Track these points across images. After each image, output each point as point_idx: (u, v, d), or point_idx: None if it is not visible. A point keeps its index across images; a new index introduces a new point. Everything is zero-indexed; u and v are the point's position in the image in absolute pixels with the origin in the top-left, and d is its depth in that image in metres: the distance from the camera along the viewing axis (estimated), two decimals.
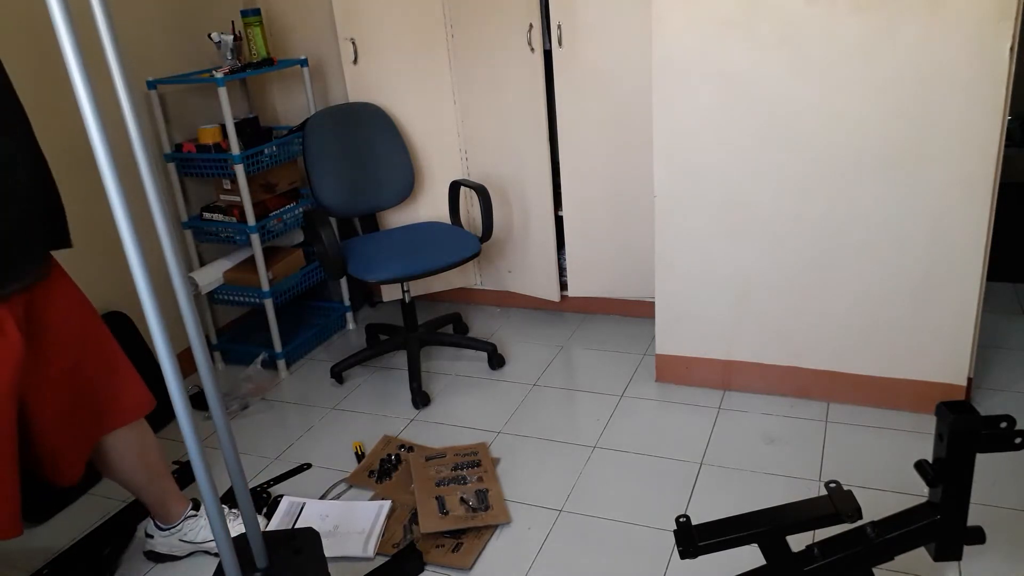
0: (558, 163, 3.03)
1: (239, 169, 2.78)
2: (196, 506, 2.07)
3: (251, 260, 2.95)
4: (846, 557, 1.52)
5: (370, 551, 2.03)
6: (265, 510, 2.23)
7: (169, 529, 2.03)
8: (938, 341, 2.32)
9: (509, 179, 3.15)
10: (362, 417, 2.72)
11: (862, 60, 2.13)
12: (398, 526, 2.12)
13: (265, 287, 2.94)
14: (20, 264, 1.57)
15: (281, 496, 2.29)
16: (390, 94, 3.12)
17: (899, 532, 1.52)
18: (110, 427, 1.84)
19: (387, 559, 2.00)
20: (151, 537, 2.06)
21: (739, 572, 1.56)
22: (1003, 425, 1.45)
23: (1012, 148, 2.79)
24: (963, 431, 1.44)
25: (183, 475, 2.43)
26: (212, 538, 2.01)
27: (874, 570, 1.58)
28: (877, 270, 2.32)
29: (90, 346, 1.77)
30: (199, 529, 2.04)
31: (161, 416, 2.30)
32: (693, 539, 1.50)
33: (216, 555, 2.00)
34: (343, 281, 3.39)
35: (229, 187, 2.89)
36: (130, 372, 1.86)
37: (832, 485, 1.56)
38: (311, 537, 1.43)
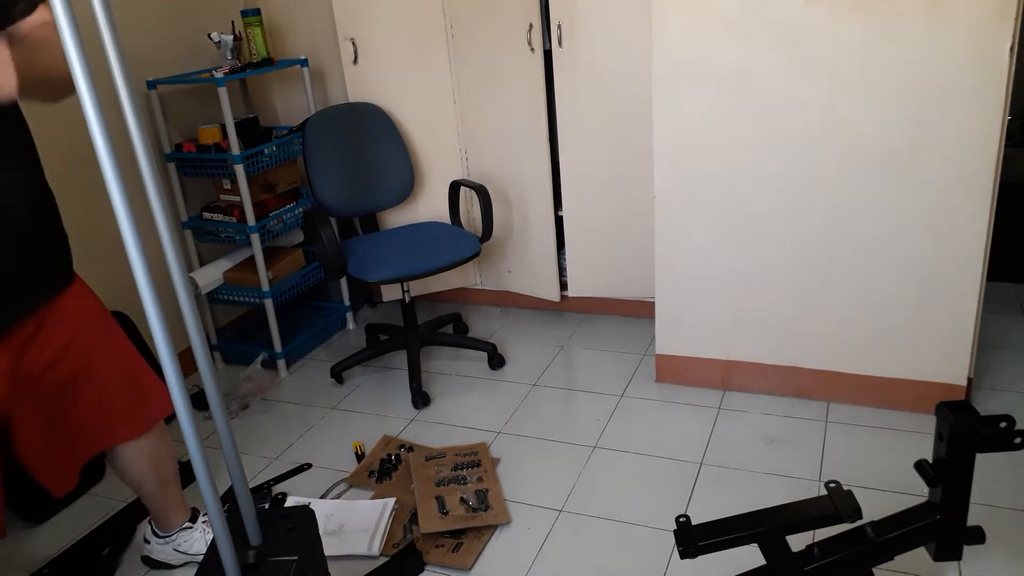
0: (558, 163, 3.03)
1: (239, 169, 2.78)
2: (193, 518, 2.05)
3: (251, 260, 2.95)
4: (846, 557, 1.52)
5: (375, 549, 2.03)
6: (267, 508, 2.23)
7: (165, 537, 2.03)
8: (938, 341, 2.32)
9: (509, 179, 3.15)
10: (362, 417, 2.72)
11: (862, 60, 2.13)
12: (398, 526, 2.12)
13: (265, 287, 2.94)
14: (10, 305, 1.53)
15: (283, 494, 2.29)
16: (390, 94, 3.12)
17: (899, 532, 1.52)
18: (109, 442, 1.81)
19: (387, 559, 2.01)
20: (148, 543, 2.05)
21: (739, 572, 1.56)
22: (1003, 425, 1.45)
23: (1012, 148, 2.78)
24: (963, 431, 1.44)
25: (183, 475, 2.42)
26: (204, 551, 2.00)
27: (874, 570, 1.58)
28: (877, 270, 2.32)
29: (97, 361, 1.72)
30: (192, 541, 2.02)
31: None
32: (693, 539, 1.50)
33: None
34: (343, 281, 3.39)
35: (229, 187, 2.90)
36: (147, 383, 1.81)
37: (832, 485, 1.56)
38: (305, 515, 1.42)
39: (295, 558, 1.31)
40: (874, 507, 1.62)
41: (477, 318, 3.41)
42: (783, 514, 1.54)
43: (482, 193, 2.89)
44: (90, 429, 1.76)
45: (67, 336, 1.66)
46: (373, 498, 2.25)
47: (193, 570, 2.04)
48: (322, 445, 2.56)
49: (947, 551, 1.55)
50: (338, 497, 2.29)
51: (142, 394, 1.81)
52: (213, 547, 1.28)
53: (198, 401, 2.68)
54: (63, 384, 1.67)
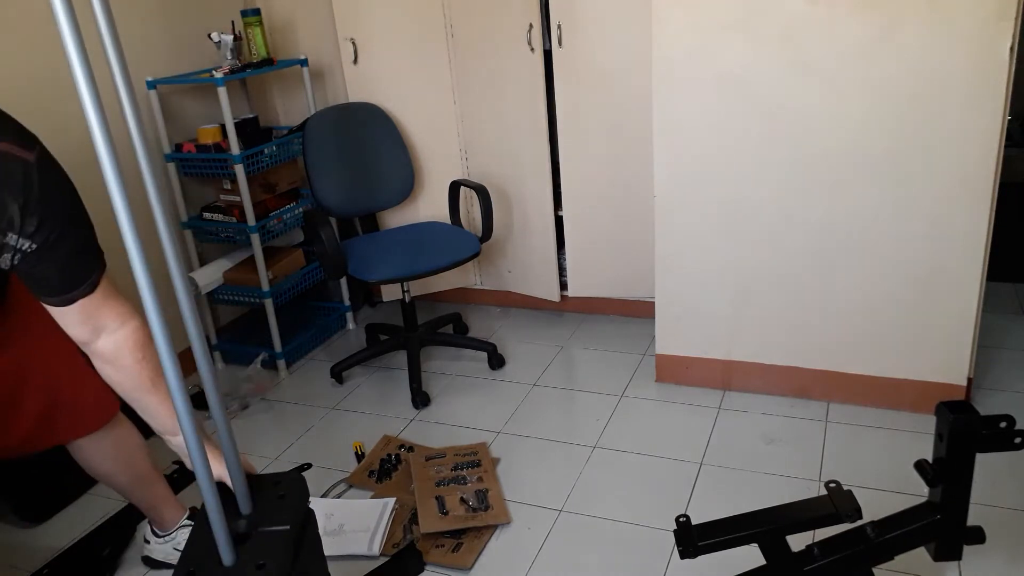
0: (558, 163, 3.03)
1: (239, 169, 2.78)
2: (192, 516, 2.05)
3: (251, 260, 2.95)
4: (846, 557, 1.52)
5: (375, 549, 2.03)
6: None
7: (164, 536, 2.03)
8: (938, 341, 2.32)
9: (509, 179, 3.15)
10: (362, 417, 2.72)
11: (862, 60, 2.13)
12: (398, 526, 2.12)
13: (265, 287, 2.94)
14: None
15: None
16: (390, 94, 3.12)
17: (899, 532, 1.52)
18: (69, 437, 1.81)
19: (387, 559, 2.01)
20: (148, 543, 2.05)
21: (739, 572, 1.56)
22: (1003, 425, 1.45)
23: (1012, 148, 2.78)
24: (963, 431, 1.44)
25: (183, 475, 2.42)
26: None
27: (874, 570, 1.58)
28: (877, 270, 2.32)
29: (42, 359, 1.72)
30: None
31: None
32: (693, 539, 1.49)
33: None
34: (343, 281, 3.39)
35: (229, 187, 2.89)
36: (89, 381, 1.78)
37: (832, 485, 1.56)
38: (296, 482, 1.41)
39: (287, 526, 1.30)
40: (874, 507, 1.61)
41: (477, 318, 3.40)
42: (783, 514, 1.54)
43: (482, 193, 2.89)
44: (39, 429, 1.76)
45: (10, 329, 1.66)
46: (373, 498, 2.25)
47: None
48: (322, 445, 2.56)
49: (947, 551, 1.55)
50: (338, 497, 2.29)
51: (83, 392, 1.79)
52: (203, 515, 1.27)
53: (198, 401, 2.68)
54: (10, 383, 1.68)
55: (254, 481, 1.39)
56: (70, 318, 1.39)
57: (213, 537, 1.23)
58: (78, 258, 1.35)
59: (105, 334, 1.41)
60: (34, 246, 1.29)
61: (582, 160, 2.98)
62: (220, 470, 1.33)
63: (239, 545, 1.26)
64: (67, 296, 1.36)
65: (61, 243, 1.31)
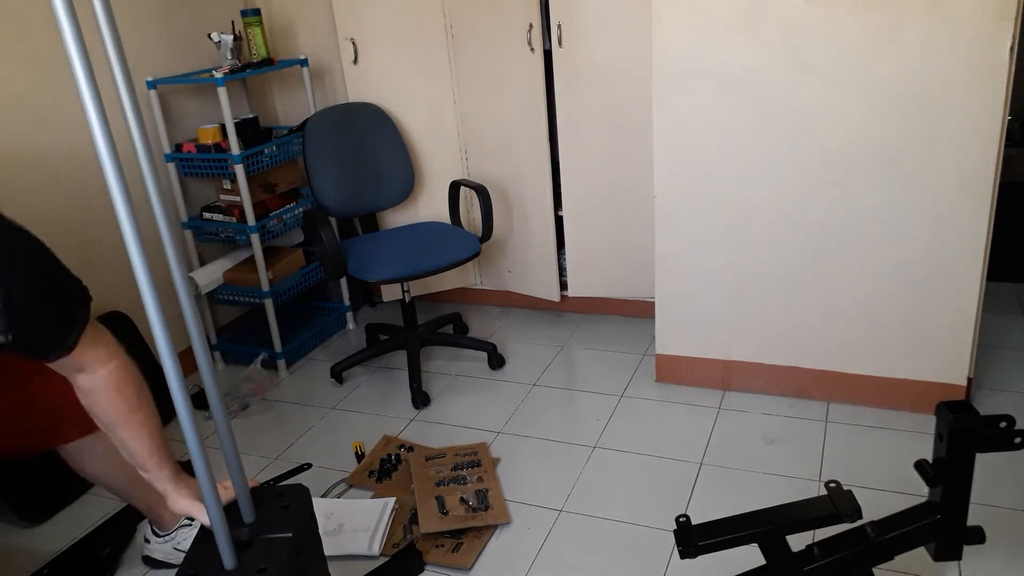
0: (558, 163, 3.03)
1: (239, 169, 2.78)
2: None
3: (251, 260, 2.95)
4: (846, 557, 1.52)
5: (375, 549, 2.03)
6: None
7: (164, 536, 2.02)
8: (938, 341, 2.32)
9: (509, 179, 3.15)
10: (362, 417, 2.72)
11: (862, 60, 2.13)
12: (398, 526, 2.12)
13: (265, 287, 2.94)
14: None
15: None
16: (390, 94, 3.12)
17: (899, 532, 1.52)
18: (66, 439, 1.81)
19: (387, 559, 2.01)
20: (148, 542, 2.05)
21: (739, 572, 1.56)
22: (1003, 425, 1.45)
23: (1012, 148, 2.79)
24: (963, 431, 1.44)
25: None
26: None
27: (874, 570, 1.58)
28: (877, 270, 2.32)
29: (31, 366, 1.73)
30: (192, 539, 2.02)
31: (162, 415, 2.30)
32: (693, 539, 1.50)
33: None
34: (343, 281, 3.39)
35: (229, 187, 2.89)
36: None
37: (832, 485, 1.56)
38: (300, 493, 1.42)
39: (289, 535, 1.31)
40: (874, 507, 1.62)
41: (477, 318, 3.40)
42: (783, 514, 1.54)
43: (482, 193, 2.89)
44: (36, 432, 1.75)
45: None
46: (373, 498, 2.25)
47: None
48: (322, 445, 2.56)
49: (947, 551, 1.55)
50: (338, 497, 2.29)
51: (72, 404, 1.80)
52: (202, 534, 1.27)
53: (198, 401, 2.68)
54: (5, 388, 1.68)
55: (258, 493, 1.39)
56: (49, 364, 1.37)
57: (215, 542, 1.24)
58: (53, 330, 1.32)
59: (84, 374, 1.40)
60: (7, 338, 1.25)
61: (582, 160, 2.98)
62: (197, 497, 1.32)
63: (242, 552, 1.26)
64: (46, 358, 1.35)
65: (31, 327, 1.27)
